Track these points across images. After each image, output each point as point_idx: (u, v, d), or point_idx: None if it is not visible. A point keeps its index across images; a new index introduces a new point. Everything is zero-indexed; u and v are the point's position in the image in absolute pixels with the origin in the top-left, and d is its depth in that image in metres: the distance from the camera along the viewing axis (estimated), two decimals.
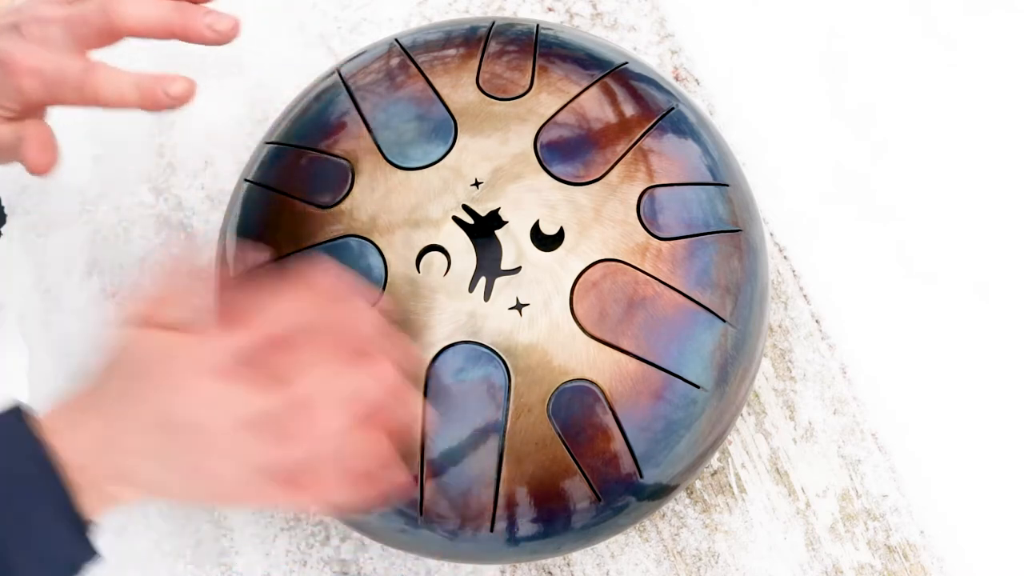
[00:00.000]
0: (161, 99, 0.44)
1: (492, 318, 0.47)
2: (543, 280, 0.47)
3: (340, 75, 0.55)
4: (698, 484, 0.63)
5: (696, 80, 0.71)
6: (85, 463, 0.39)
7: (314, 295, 0.41)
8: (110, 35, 0.44)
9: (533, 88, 0.51)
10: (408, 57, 0.54)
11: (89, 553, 0.39)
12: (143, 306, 0.41)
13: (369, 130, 0.51)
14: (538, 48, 0.53)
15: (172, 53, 0.72)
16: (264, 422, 0.38)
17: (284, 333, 0.40)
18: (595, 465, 0.47)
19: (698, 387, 0.48)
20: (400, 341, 0.42)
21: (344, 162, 0.50)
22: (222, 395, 0.39)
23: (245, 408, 0.38)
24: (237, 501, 0.41)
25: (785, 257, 0.68)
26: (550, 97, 0.51)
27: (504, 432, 0.46)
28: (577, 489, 0.48)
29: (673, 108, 0.53)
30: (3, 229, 0.69)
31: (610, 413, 0.47)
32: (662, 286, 0.48)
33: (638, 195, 0.49)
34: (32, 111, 0.45)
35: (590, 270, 0.48)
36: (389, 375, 0.41)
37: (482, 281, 0.48)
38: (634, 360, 0.47)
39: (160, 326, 0.40)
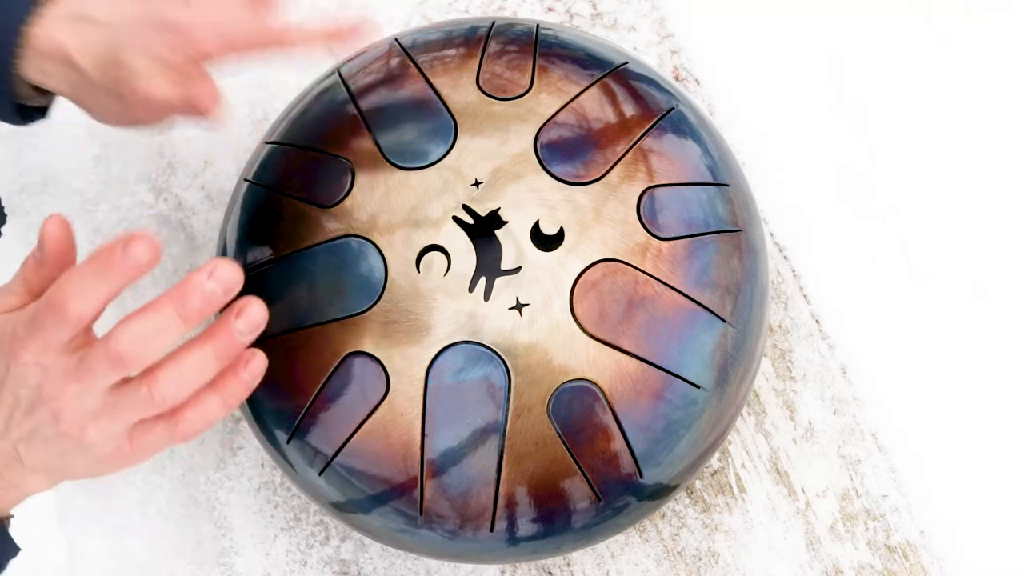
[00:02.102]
0: (345, 33, 0.47)
1: (492, 318, 0.47)
2: (543, 280, 0.47)
3: (340, 75, 0.55)
4: (698, 484, 0.63)
5: (696, 80, 0.71)
6: None
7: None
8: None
9: (533, 88, 0.51)
10: (408, 57, 0.54)
11: (9, 549, 0.39)
12: None
13: (369, 130, 0.51)
14: (538, 48, 0.53)
15: None
16: (111, 385, 0.38)
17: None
18: (595, 465, 0.47)
19: (698, 387, 0.48)
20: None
21: (344, 162, 0.50)
22: (71, 367, 0.38)
23: (88, 378, 0.37)
24: (120, 465, 0.40)
25: (785, 257, 0.68)
26: (550, 97, 0.51)
27: (504, 432, 0.46)
28: (577, 489, 0.48)
29: (673, 108, 0.53)
30: (3, 229, 0.69)
31: (610, 413, 0.47)
32: (662, 286, 0.48)
33: (638, 195, 0.49)
34: (197, 66, 0.47)
35: (590, 270, 0.48)
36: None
37: (482, 281, 0.48)
38: (634, 360, 0.47)
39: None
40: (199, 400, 0.39)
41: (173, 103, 0.47)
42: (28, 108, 0.50)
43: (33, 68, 0.47)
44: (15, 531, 0.43)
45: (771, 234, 0.68)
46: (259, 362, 0.40)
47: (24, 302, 0.40)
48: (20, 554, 0.43)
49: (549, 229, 0.48)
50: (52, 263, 0.41)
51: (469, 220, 0.48)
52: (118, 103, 0.48)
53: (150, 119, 0.49)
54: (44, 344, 0.37)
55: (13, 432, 0.39)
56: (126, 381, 0.38)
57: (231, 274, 0.37)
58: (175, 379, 0.38)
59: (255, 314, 0.38)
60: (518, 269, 0.48)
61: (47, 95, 0.51)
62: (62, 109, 0.72)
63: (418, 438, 0.47)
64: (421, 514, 0.48)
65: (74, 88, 0.48)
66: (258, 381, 0.40)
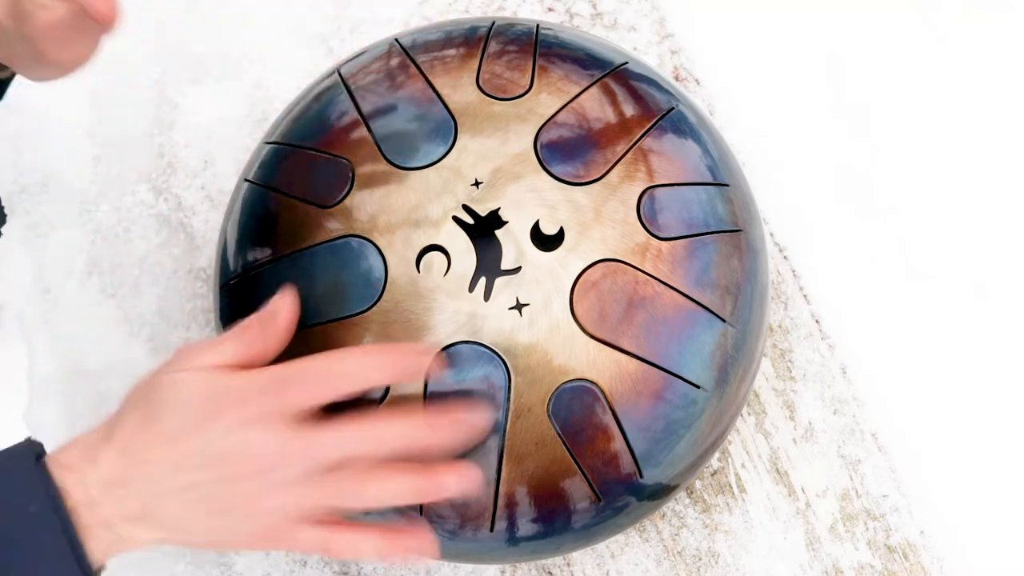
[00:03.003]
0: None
1: (492, 318, 0.47)
2: (543, 280, 0.47)
3: (340, 75, 0.55)
4: (698, 484, 0.63)
5: (696, 80, 0.71)
6: (98, 499, 0.37)
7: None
8: None
9: (533, 88, 0.51)
10: (408, 57, 0.54)
11: None
12: (195, 352, 0.40)
13: (369, 130, 0.51)
14: (538, 48, 0.53)
15: (172, 54, 0.72)
16: (320, 470, 0.38)
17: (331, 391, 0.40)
18: (595, 465, 0.47)
19: (698, 387, 0.48)
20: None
21: (344, 162, 0.50)
22: (274, 439, 0.38)
23: (302, 455, 0.38)
24: (264, 543, 0.40)
25: (785, 257, 0.68)
26: (550, 97, 0.51)
27: (504, 432, 0.46)
28: (577, 489, 0.48)
29: (673, 108, 0.53)
30: (3, 229, 0.69)
31: (610, 413, 0.47)
32: (662, 286, 0.48)
33: (638, 195, 0.49)
34: None
35: (590, 270, 0.48)
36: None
37: (482, 281, 0.48)
38: (634, 360, 0.47)
39: (207, 366, 0.40)
40: (365, 530, 0.40)
41: (72, 24, 0.44)
42: None
43: None
44: None
45: (771, 234, 0.68)
46: (431, 546, 0.41)
47: (232, 363, 0.40)
48: None
49: (549, 229, 0.48)
50: (281, 333, 0.42)
51: (469, 220, 0.48)
52: (33, 46, 0.44)
53: (67, 54, 0.45)
54: (279, 410, 0.38)
55: (175, 479, 0.38)
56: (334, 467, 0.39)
57: (483, 422, 0.40)
58: (377, 489, 0.39)
59: (459, 484, 0.40)
60: (518, 269, 0.48)
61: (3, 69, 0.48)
62: (62, 109, 0.72)
63: None
64: (421, 514, 0.48)
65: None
66: (429, 553, 0.41)
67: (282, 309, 0.42)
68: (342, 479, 0.39)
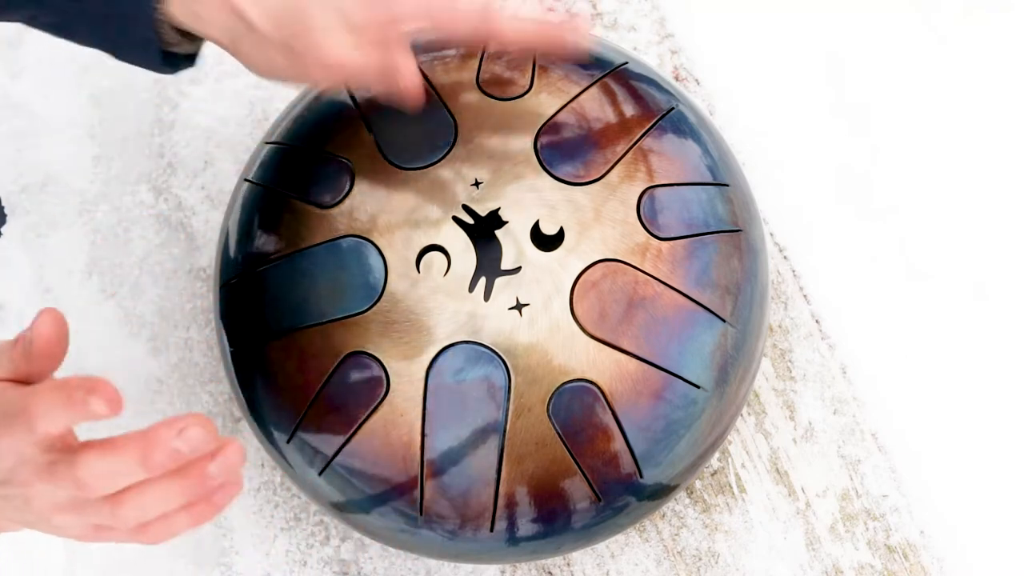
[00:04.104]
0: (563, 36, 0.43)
1: (492, 318, 0.47)
2: (543, 280, 0.47)
3: None
4: (698, 484, 0.63)
5: (696, 80, 0.71)
6: None
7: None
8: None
9: (533, 88, 0.51)
10: None
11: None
12: None
13: (369, 130, 0.51)
14: None
15: None
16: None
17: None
18: (595, 465, 0.47)
19: (698, 387, 0.48)
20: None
21: (344, 162, 0.50)
22: (42, 466, 0.36)
23: (62, 487, 0.36)
24: (96, 541, 0.40)
25: (785, 257, 0.68)
26: (550, 97, 0.51)
27: (504, 432, 0.46)
28: (577, 489, 0.48)
29: (673, 108, 0.53)
30: (3, 229, 0.69)
31: (610, 413, 0.47)
32: (662, 286, 0.48)
33: (638, 195, 0.49)
34: (387, 33, 0.43)
35: (590, 270, 0.48)
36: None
37: (482, 281, 0.48)
38: (634, 360, 0.47)
39: None
40: (166, 517, 0.38)
41: (359, 68, 0.43)
42: (175, 56, 0.47)
43: (183, 11, 0.43)
44: (16, 534, 0.42)
45: (771, 234, 0.68)
46: (229, 491, 0.39)
47: (4, 377, 0.38)
48: (19, 554, 0.43)
49: (549, 229, 0.48)
50: (39, 358, 0.39)
51: (469, 220, 0.48)
52: (287, 57, 0.43)
53: (324, 80, 0.45)
54: (20, 438, 0.36)
55: None
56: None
57: (201, 436, 0.35)
58: (138, 506, 0.37)
59: (232, 458, 0.37)
60: (518, 269, 0.48)
61: (195, 41, 0.47)
62: (62, 109, 0.73)
63: (418, 438, 0.47)
64: (421, 514, 0.48)
65: (234, 37, 0.43)
66: (229, 501, 0.39)
67: (37, 333, 0.39)
68: (103, 504, 0.36)
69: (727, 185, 0.53)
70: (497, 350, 0.46)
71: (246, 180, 0.55)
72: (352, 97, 0.53)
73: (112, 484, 0.36)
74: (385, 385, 0.47)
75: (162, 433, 0.35)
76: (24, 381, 0.39)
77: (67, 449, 0.37)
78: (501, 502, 0.47)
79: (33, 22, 0.45)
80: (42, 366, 0.39)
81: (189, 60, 0.48)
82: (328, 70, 0.43)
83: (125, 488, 0.36)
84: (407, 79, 0.44)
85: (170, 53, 0.46)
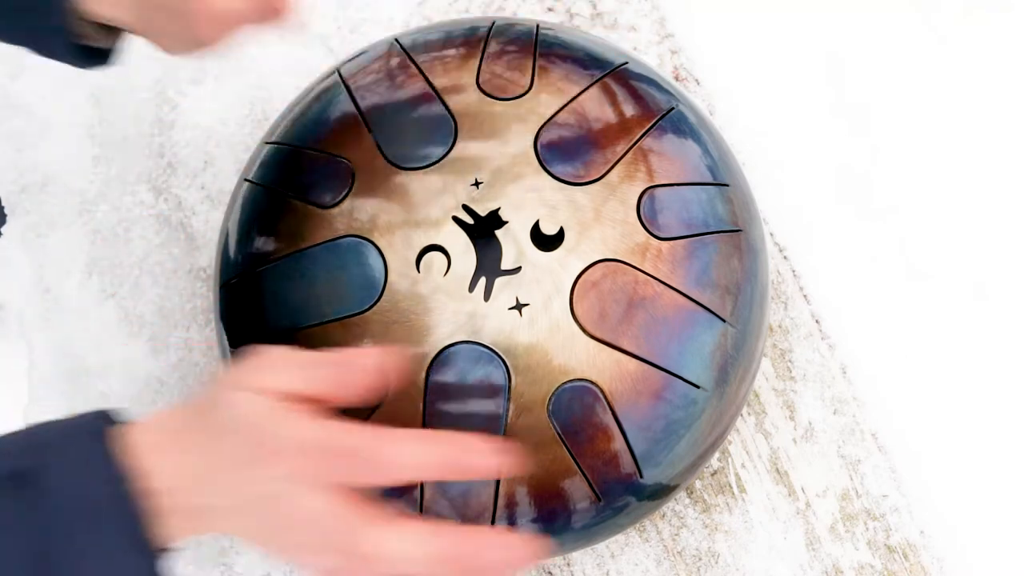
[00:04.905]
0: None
1: (492, 318, 0.47)
2: (543, 280, 0.47)
3: (340, 75, 0.55)
4: (698, 484, 0.63)
5: (696, 80, 0.71)
6: (176, 487, 0.36)
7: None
8: None
9: (533, 88, 0.51)
10: (408, 57, 0.54)
11: None
12: (253, 374, 0.37)
13: (369, 130, 0.51)
14: (538, 48, 0.53)
15: None
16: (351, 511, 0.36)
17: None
18: (595, 465, 0.47)
19: (698, 387, 0.48)
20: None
21: (344, 162, 0.50)
22: (312, 471, 0.36)
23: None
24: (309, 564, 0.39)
25: (785, 257, 0.68)
26: (550, 97, 0.51)
27: (504, 432, 0.46)
28: (577, 489, 0.48)
29: (673, 108, 0.53)
30: (3, 229, 0.69)
31: (610, 413, 0.47)
32: (662, 286, 0.48)
33: (638, 195, 0.49)
34: None
35: (590, 270, 0.48)
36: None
37: (482, 281, 0.48)
38: (634, 360, 0.47)
39: (262, 390, 0.37)
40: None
41: (239, 10, 0.43)
42: (93, 50, 0.47)
43: None
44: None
45: (771, 234, 0.68)
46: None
47: (294, 394, 0.37)
48: None
49: (549, 229, 0.48)
50: (356, 388, 0.38)
51: (469, 220, 0.48)
52: (180, 22, 0.44)
53: (215, 35, 0.45)
54: (344, 482, 0.35)
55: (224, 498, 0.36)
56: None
57: (524, 556, 0.34)
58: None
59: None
60: (518, 269, 0.48)
61: (112, 35, 0.47)
62: (62, 109, 0.72)
63: None
64: (421, 514, 0.48)
65: (133, 12, 0.44)
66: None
67: (371, 361, 0.37)
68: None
69: (727, 185, 0.53)
70: (497, 350, 0.46)
71: (246, 180, 0.55)
72: (352, 97, 0.53)
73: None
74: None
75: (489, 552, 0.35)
76: (309, 400, 0.37)
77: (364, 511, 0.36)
78: (501, 502, 0.47)
79: None
80: (352, 396, 0.38)
81: (105, 56, 0.48)
82: (215, 23, 0.44)
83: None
84: (280, 2, 0.44)
85: (87, 47, 0.46)
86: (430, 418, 0.46)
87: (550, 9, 0.73)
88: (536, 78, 0.52)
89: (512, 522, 0.48)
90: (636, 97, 0.53)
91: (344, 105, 0.53)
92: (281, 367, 0.37)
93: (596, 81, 0.52)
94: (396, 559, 0.35)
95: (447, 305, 0.47)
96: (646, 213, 0.49)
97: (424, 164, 0.50)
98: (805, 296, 0.67)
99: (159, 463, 0.36)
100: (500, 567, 0.35)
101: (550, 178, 0.49)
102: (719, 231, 0.51)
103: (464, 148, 0.50)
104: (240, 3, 0.43)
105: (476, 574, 0.35)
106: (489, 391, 0.46)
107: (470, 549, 0.35)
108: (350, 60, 0.56)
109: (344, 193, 0.50)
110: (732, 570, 0.61)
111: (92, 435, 0.37)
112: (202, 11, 0.43)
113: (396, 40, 0.55)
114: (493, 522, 0.48)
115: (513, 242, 0.48)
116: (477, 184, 0.49)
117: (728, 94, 0.71)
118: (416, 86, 0.52)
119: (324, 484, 0.35)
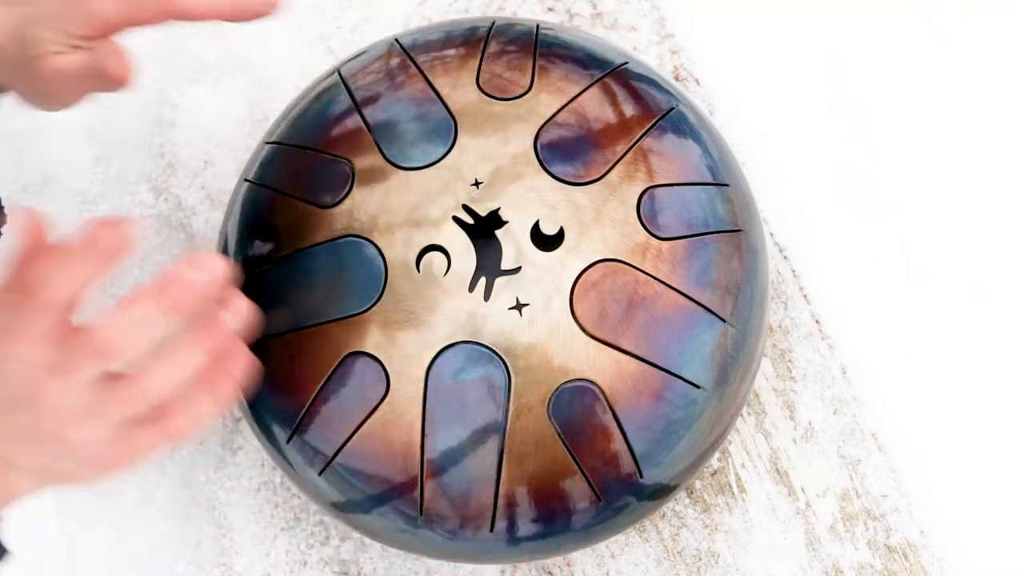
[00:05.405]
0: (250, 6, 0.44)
1: (492, 318, 0.47)
2: (543, 280, 0.47)
3: (340, 75, 0.55)
4: (698, 484, 0.63)
5: (696, 80, 0.71)
6: None
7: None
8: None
9: (533, 88, 0.51)
10: (408, 57, 0.54)
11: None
12: None
13: (369, 130, 0.51)
14: (538, 48, 0.53)
15: (172, 54, 0.72)
16: (101, 377, 0.36)
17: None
18: (595, 465, 0.47)
19: (698, 387, 0.48)
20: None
21: (344, 162, 0.50)
22: (51, 360, 0.35)
23: (81, 371, 0.35)
24: (119, 463, 0.38)
25: (785, 257, 0.68)
26: (550, 97, 0.51)
27: (504, 432, 0.46)
28: (577, 489, 0.48)
29: (673, 108, 0.53)
30: (3, 229, 0.69)
31: (610, 413, 0.47)
32: (662, 286, 0.48)
33: (638, 195, 0.49)
34: (102, 36, 0.44)
35: (590, 270, 0.48)
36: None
37: (482, 281, 0.48)
38: (634, 360, 0.47)
39: None
40: (188, 398, 0.38)
41: (83, 75, 0.44)
42: None
43: None
44: (15, 531, 0.42)
45: (771, 234, 0.68)
46: (246, 357, 0.39)
47: None
48: (21, 553, 0.42)
49: (549, 229, 0.48)
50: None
51: (469, 220, 0.48)
52: (38, 82, 0.45)
53: (70, 96, 0.46)
54: (19, 336, 0.35)
55: None
56: (112, 377, 0.36)
57: (216, 263, 0.36)
58: (162, 373, 0.36)
59: (242, 306, 0.38)
60: (518, 269, 0.48)
61: None
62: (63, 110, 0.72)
63: (418, 438, 0.47)
64: (421, 514, 0.48)
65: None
66: (247, 377, 0.39)
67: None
68: (125, 379, 0.36)
69: (727, 185, 0.53)
70: (497, 350, 0.46)
71: (246, 180, 0.55)
72: (352, 97, 0.53)
73: (132, 340, 0.35)
74: (385, 385, 0.47)
75: (177, 267, 0.36)
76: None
77: (70, 333, 0.36)
78: (501, 502, 0.47)
79: None
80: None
81: None
82: (66, 85, 0.44)
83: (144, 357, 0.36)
84: (119, 70, 0.44)
85: None
86: (430, 418, 0.46)
87: (550, 9, 0.73)
88: (536, 78, 0.52)
89: (512, 522, 0.48)
90: (636, 97, 0.53)
91: (344, 105, 0.53)
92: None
93: (596, 81, 0.52)
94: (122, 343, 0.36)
95: (447, 305, 0.47)
96: (646, 213, 0.49)
97: (424, 164, 0.50)
98: (805, 296, 0.67)
99: None
100: (202, 287, 0.36)
101: (550, 178, 0.49)
102: (719, 231, 0.51)
103: (464, 148, 0.50)
104: (83, 66, 0.43)
105: (193, 304, 0.36)
106: (489, 391, 0.46)
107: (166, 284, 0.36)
108: (350, 60, 0.56)
109: (344, 193, 0.50)
110: (732, 570, 0.61)
111: None
112: (52, 73, 0.43)
113: (396, 40, 0.55)
114: (493, 522, 0.48)
115: (513, 242, 0.48)
116: (477, 184, 0.49)
117: (728, 94, 0.71)
118: (416, 86, 0.52)
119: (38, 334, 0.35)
